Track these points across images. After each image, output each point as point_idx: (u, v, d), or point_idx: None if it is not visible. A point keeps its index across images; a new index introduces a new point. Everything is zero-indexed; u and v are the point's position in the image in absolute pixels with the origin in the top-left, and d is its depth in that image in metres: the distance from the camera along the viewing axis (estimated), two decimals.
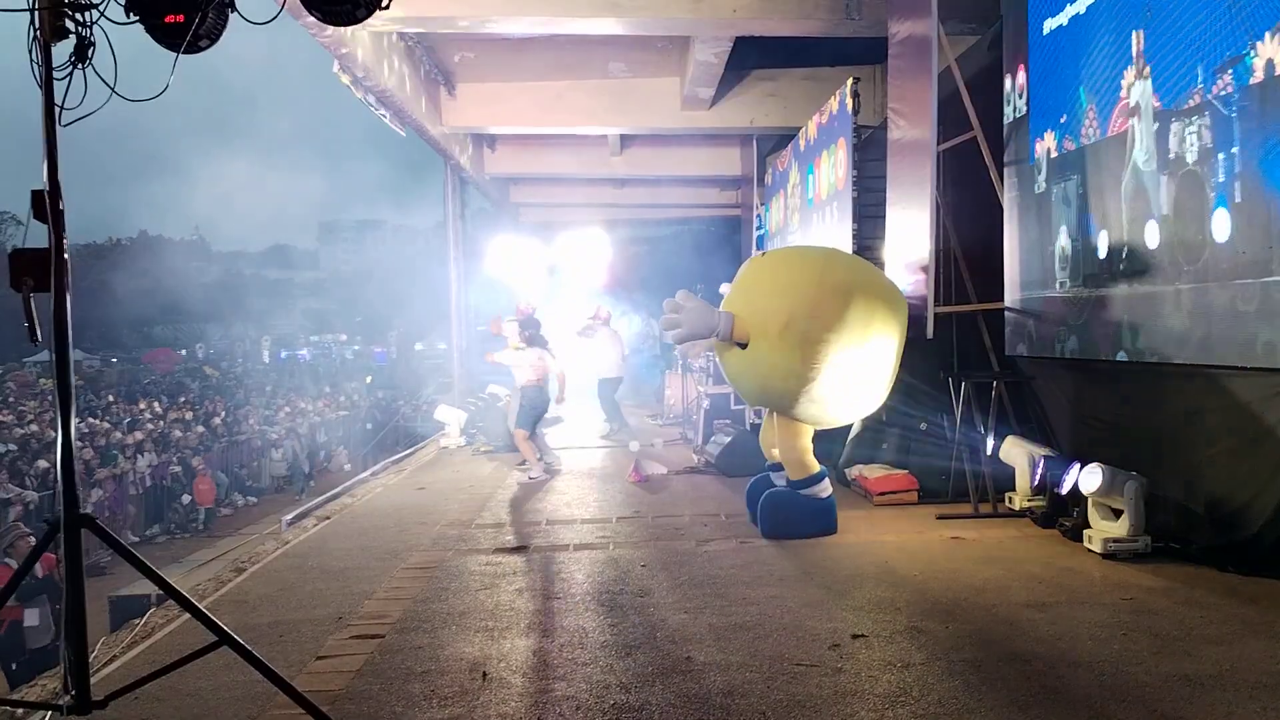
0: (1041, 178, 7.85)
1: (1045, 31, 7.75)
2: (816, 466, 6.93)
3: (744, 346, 6.68)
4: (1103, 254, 6.92)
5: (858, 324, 6.44)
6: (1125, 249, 6.65)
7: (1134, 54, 6.52)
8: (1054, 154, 7.65)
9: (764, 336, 6.57)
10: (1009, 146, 8.34)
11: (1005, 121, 8.33)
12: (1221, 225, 5.61)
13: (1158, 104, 6.25)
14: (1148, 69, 6.37)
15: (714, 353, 7.12)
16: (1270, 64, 5.19)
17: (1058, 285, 7.60)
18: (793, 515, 6.85)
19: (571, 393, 11.35)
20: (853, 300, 6.49)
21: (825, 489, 6.92)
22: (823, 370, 6.42)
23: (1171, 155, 6.11)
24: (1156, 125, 6.25)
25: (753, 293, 6.88)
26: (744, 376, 6.97)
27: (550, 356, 10.37)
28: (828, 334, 6.38)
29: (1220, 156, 5.63)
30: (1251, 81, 5.33)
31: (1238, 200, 5.48)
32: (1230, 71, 5.52)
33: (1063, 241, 7.55)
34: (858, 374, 6.58)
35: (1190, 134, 5.94)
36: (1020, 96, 8.12)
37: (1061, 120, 7.54)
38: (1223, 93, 5.59)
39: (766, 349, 6.57)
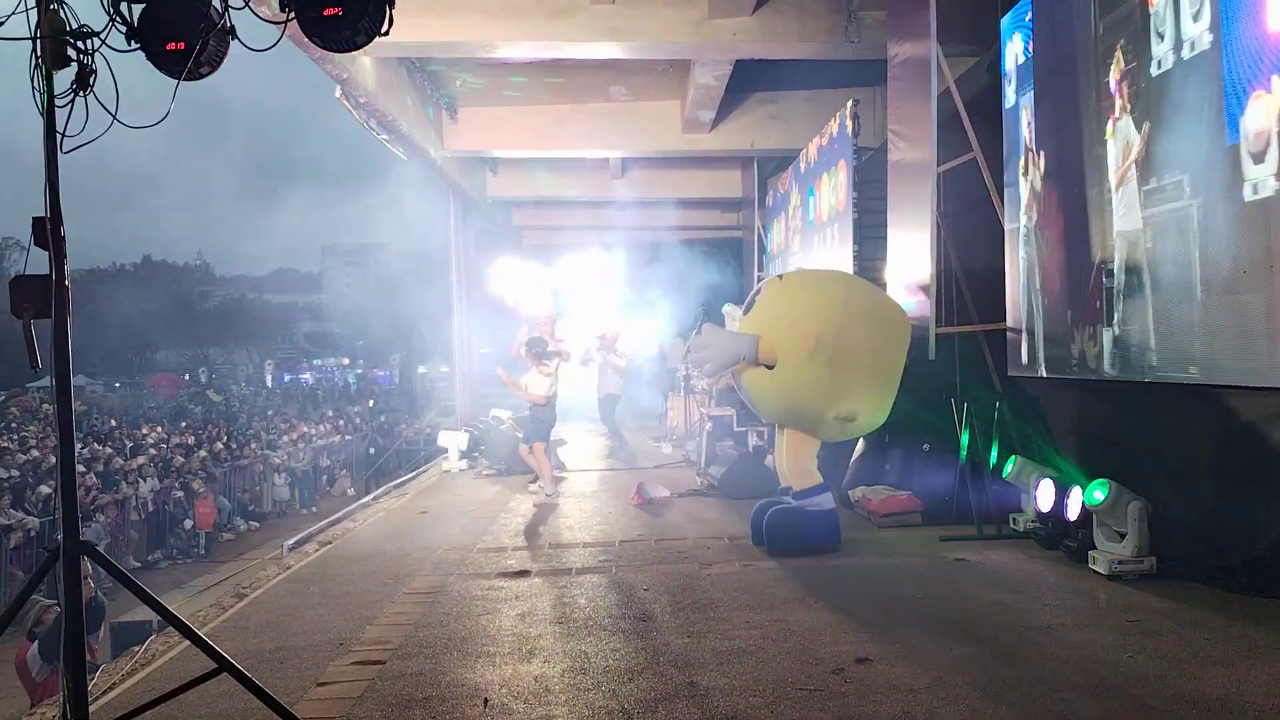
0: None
1: None
2: (819, 478, 7.02)
3: (771, 368, 6.82)
4: None
5: (879, 346, 6.86)
6: None
7: None
8: None
9: (792, 357, 6.73)
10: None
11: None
12: None
13: None
14: None
15: (735, 374, 7.24)
16: None
17: None
18: (797, 529, 6.93)
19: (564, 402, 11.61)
20: (874, 324, 6.92)
21: (828, 501, 6.99)
22: (850, 388, 6.73)
23: None
24: None
25: (777, 314, 7.00)
26: (769, 395, 7.04)
27: (548, 370, 10.33)
28: (855, 354, 6.72)
29: None
30: None
31: None
32: None
33: None
34: (877, 392, 6.89)
35: None
36: (1196, 18, 5.09)
37: None
38: None
39: (795, 369, 6.73)
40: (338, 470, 25.14)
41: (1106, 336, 6.28)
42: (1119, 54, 5.78)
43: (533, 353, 10.29)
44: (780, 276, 7.57)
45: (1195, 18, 5.04)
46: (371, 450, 26.52)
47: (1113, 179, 6.15)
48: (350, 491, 22.78)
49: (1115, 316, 6.17)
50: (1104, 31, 5.82)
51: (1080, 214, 6.71)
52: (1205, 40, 4.99)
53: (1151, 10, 5.36)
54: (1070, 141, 6.85)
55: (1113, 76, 6.03)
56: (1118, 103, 5.94)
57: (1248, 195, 4.75)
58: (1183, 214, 5.11)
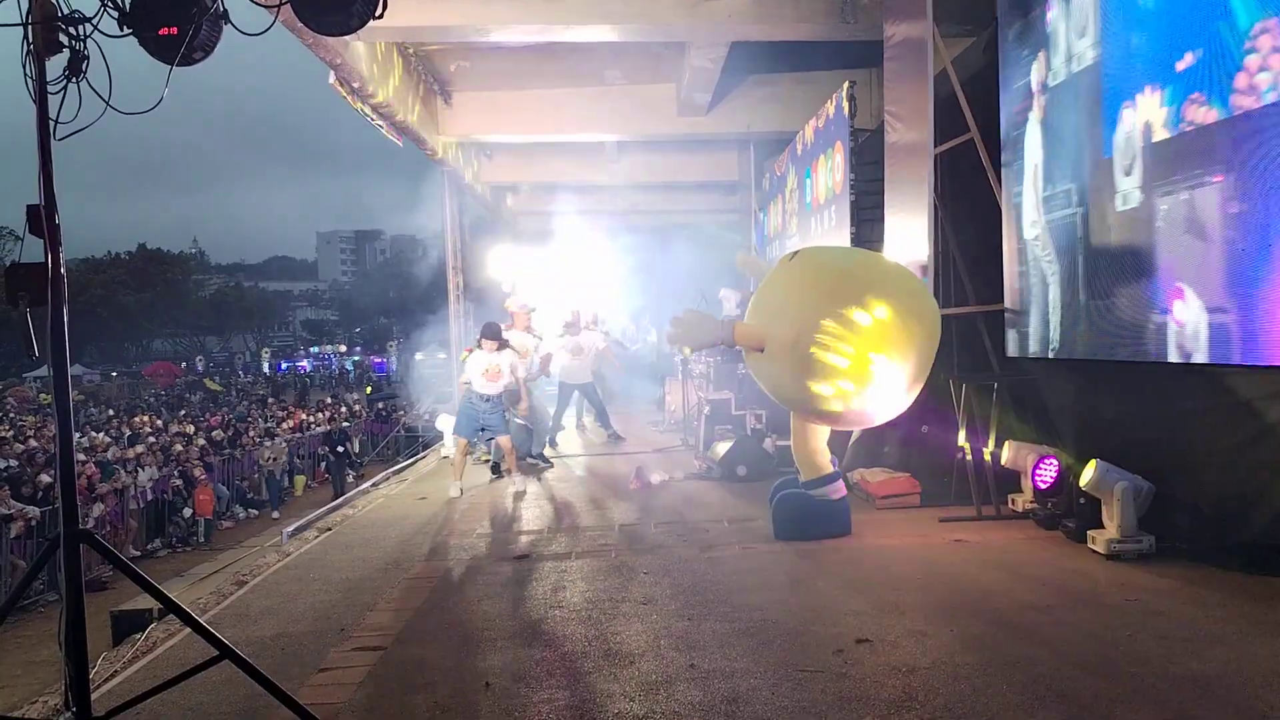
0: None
1: None
2: (829, 467, 6.98)
3: (761, 351, 6.77)
4: None
5: (867, 346, 6.31)
6: None
7: None
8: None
9: (775, 345, 6.62)
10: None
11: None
12: None
13: None
14: None
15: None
16: None
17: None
18: (804, 517, 6.89)
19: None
20: (865, 323, 6.34)
21: (838, 490, 6.97)
22: (827, 386, 6.41)
23: None
24: None
25: (774, 300, 6.91)
26: (763, 378, 7.11)
27: (510, 357, 10.10)
28: (832, 357, 6.31)
29: None
30: None
31: None
32: None
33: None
34: (867, 390, 6.45)
35: None
36: (1082, 35, 5.22)
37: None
38: None
39: (777, 360, 6.62)
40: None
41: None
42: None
43: (485, 335, 9.99)
44: (793, 255, 7.41)
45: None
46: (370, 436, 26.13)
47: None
48: (350, 479, 22.72)
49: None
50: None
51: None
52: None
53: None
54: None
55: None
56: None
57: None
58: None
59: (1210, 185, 4.27)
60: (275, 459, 21.65)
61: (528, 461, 11.11)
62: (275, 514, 19.71)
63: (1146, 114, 4.68)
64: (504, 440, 10.06)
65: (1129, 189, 4.85)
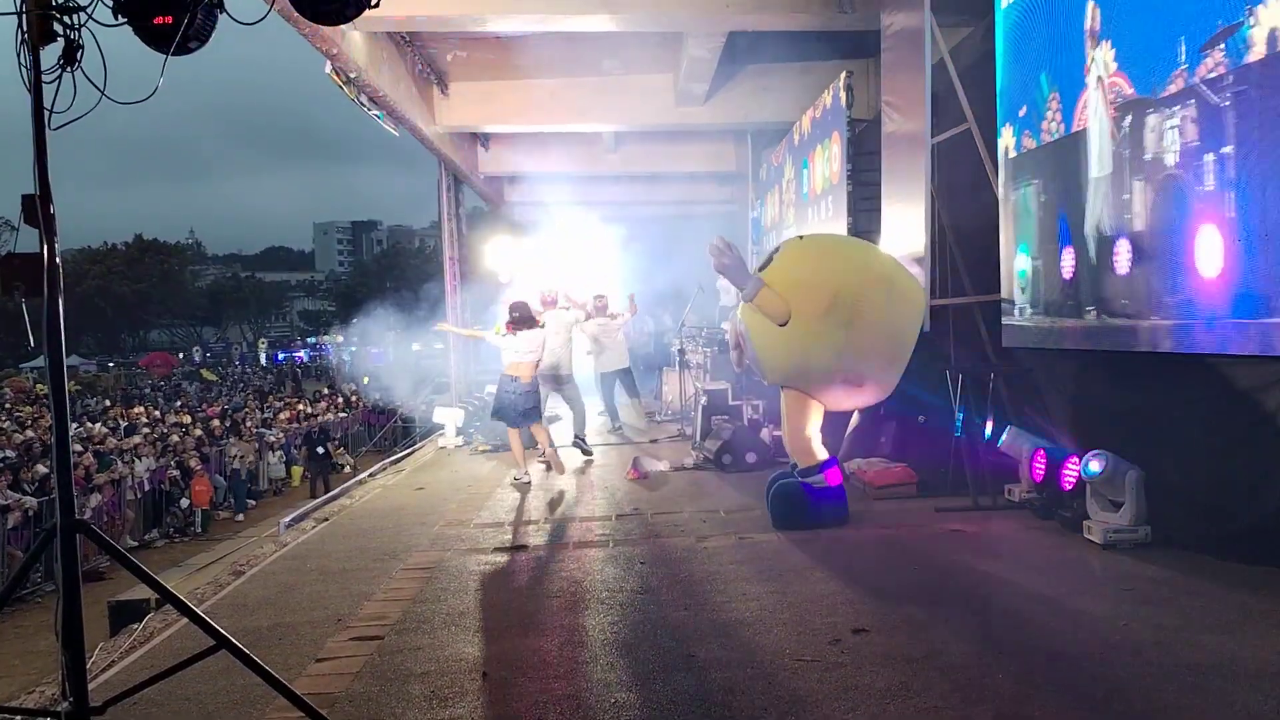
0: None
1: (1004, 5, 7.33)
2: (823, 454, 6.99)
3: (782, 325, 6.77)
4: (1067, 276, 6.37)
5: (894, 313, 6.86)
6: (1091, 273, 6.08)
7: (1087, 28, 6.02)
8: (1012, 153, 7.15)
9: (806, 314, 6.71)
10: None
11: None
12: (1211, 249, 4.89)
13: (1130, 89, 5.57)
14: (1109, 47, 5.76)
15: (744, 328, 7.14)
16: (1274, 35, 4.38)
17: (1016, 312, 7.23)
18: (802, 505, 6.90)
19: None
20: (892, 291, 6.90)
21: (834, 476, 6.98)
22: (863, 352, 6.73)
23: (1149, 156, 5.35)
24: (1130, 117, 5.56)
25: (795, 272, 6.95)
26: (777, 353, 6.94)
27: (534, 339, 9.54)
28: (871, 319, 6.72)
29: (1209, 157, 4.84)
30: (1250, 59, 4.57)
31: (1230, 215, 4.72)
32: (1222, 46, 4.72)
33: (1022, 261, 7.06)
34: (887, 361, 6.90)
35: (1171, 128, 5.08)
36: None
37: (1021, 113, 6.98)
38: (1212, 74, 4.82)
39: (807, 327, 6.72)
40: (335, 447, 25.08)
41: None
42: None
43: (514, 317, 9.44)
44: (801, 237, 7.61)
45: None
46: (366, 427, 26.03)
47: None
48: (348, 469, 22.73)
49: None
50: None
51: None
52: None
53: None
54: None
55: None
56: None
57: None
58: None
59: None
60: (243, 456, 20.86)
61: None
62: (240, 517, 18.86)
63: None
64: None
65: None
